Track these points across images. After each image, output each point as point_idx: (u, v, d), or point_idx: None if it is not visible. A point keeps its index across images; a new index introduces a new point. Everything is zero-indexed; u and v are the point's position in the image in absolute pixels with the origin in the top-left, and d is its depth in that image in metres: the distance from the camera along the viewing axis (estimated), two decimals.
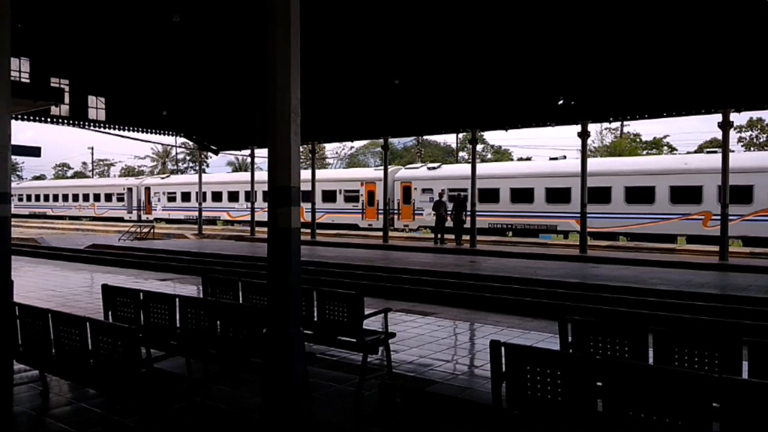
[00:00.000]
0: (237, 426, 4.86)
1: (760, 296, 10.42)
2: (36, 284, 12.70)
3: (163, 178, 49.92)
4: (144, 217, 46.20)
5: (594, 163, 25.64)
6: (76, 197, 53.17)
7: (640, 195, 23.56)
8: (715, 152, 25.17)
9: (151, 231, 29.11)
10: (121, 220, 47.00)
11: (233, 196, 39.37)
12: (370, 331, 6.05)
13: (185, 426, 4.78)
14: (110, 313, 6.33)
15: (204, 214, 41.51)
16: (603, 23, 13.72)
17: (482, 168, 27.81)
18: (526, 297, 11.42)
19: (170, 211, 44.56)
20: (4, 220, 6.67)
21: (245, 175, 43.04)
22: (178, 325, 5.77)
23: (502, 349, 3.67)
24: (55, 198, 55.53)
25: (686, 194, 22.86)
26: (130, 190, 48.57)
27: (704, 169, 22.95)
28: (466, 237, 21.33)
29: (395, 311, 9.08)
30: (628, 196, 23.81)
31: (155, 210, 46.08)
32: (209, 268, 15.30)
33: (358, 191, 32.63)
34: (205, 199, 41.48)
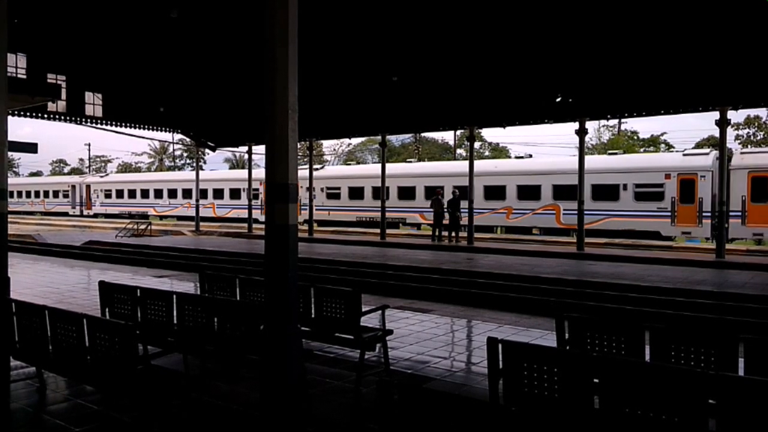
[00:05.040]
0: (235, 422, 4.86)
1: (756, 294, 10.45)
2: (33, 281, 12.67)
3: (101, 176, 53.01)
4: (85, 212, 49.13)
5: (429, 166, 32.05)
6: (29, 194, 56.80)
7: (464, 193, 26.57)
8: (521, 158, 32.29)
9: (148, 228, 29.11)
10: (66, 214, 50.14)
11: (158, 193, 42.90)
12: (368, 328, 6.05)
13: (183, 422, 4.78)
14: (107, 309, 6.32)
15: (135, 209, 45.07)
16: (601, 21, 13.72)
17: (352, 170, 34.18)
18: (524, 294, 11.44)
19: (107, 207, 47.47)
20: (1, 217, 6.65)
21: (163, 175, 49.30)
22: (175, 321, 5.77)
23: (500, 345, 3.67)
24: (11, 195, 58.30)
25: (494, 192, 27.30)
26: (73, 187, 51.54)
27: (507, 171, 27.81)
28: (464, 234, 21.49)
29: (392, 308, 9.08)
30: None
31: (94, 206, 48.77)
32: (206, 265, 15.29)
33: (258, 189, 35.48)
34: (135, 196, 45.64)
